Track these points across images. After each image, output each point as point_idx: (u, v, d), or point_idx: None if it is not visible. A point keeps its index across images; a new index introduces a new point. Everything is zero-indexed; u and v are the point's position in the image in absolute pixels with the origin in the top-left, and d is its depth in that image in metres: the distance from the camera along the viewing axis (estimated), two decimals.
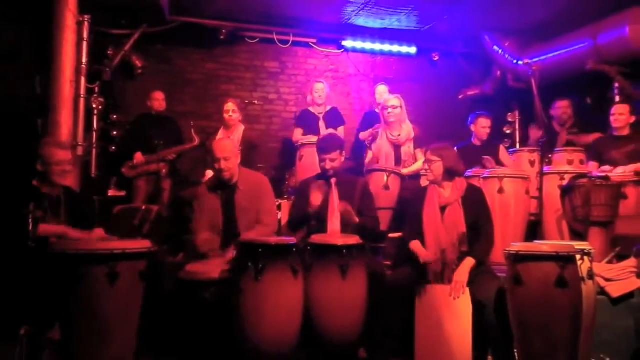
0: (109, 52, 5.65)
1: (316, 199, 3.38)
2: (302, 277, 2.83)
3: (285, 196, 5.12)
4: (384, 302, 3.05)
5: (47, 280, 2.60)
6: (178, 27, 5.97)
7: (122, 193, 5.30)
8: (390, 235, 4.08)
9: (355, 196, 3.49)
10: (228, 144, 3.53)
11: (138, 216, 4.13)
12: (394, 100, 4.51)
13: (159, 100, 5.48)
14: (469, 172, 4.64)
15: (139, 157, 5.21)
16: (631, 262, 3.33)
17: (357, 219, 3.37)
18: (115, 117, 5.71)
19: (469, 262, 3.07)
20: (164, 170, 5.15)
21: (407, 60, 7.04)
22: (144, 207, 4.26)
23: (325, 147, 3.55)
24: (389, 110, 4.46)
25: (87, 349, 2.42)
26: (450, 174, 3.30)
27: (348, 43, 6.71)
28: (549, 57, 5.97)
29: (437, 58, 7.01)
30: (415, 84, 6.95)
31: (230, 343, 2.77)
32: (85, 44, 4.75)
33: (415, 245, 3.26)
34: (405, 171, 4.39)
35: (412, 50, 6.89)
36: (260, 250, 2.72)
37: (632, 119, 4.63)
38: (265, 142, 6.44)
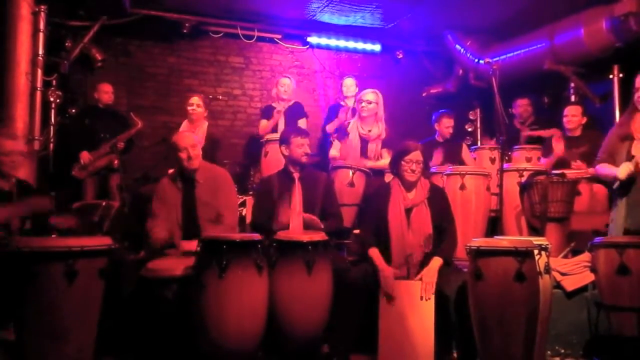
0: (67, 44, 5.48)
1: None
2: (267, 274, 2.81)
3: (250, 192, 5.09)
4: (347, 297, 3.05)
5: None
6: (139, 20, 5.85)
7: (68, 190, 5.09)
8: (355, 231, 4.10)
9: (318, 193, 3.48)
10: (190, 134, 3.54)
11: (98, 212, 4.03)
12: (370, 95, 4.43)
13: (107, 93, 5.30)
14: (433, 169, 4.72)
15: (85, 156, 5.01)
16: (585, 256, 3.44)
17: (322, 226, 3.34)
18: (74, 111, 5.54)
19: (437, 262, 3.06)
20: (115, 162, 5.01)
21: (372, 58, 7.10)
22: (104, 203, 4.16)
23: (304, 131, 3.60)
24: (364, 104, 4.40)
25: (43, 350, 2.34)
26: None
27: (313, 39, 6.71)
28: (509, 57, 6.10)
29: (401, 56, 7.11)
30: (380, 81, 6.98)
31: (193, 341, 2.73)
32: (41, 35, 4.61)
33: (374, 254, 3.18)
34: (370, 164, 4.38)
35: (377, 47, 6.96)
36: (224, 246, 2.68)
37: (584, 120, 4.78)
38: (230, 137, 6.39)
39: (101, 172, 5.09)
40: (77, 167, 5.03)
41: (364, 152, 4.45)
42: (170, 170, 3.95)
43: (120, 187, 4.97)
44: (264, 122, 5.31)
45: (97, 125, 5.16)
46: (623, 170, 3.13)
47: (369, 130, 4.44)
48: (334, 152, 4.58)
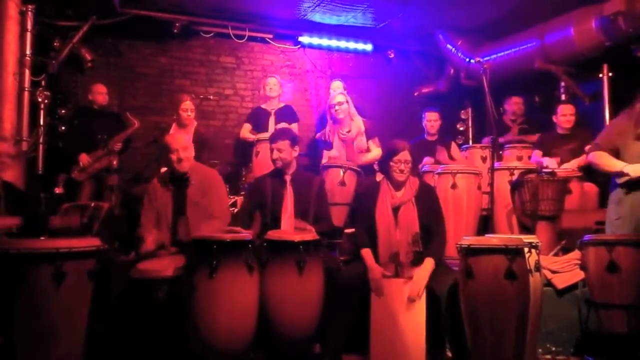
0: (55, 44, 5.42)
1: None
2: (258, 274, 2.80)
3: (242, 192, 5.08)
4: (339, 297, 3.05)
5: None
6: (130, 20, 5.81)
7: (61, 190, 5.04)
8: (346, 230, 4.10)
9: (310, 195, 3.45)
10: (182, 136, 3.53)
11: (87, 214, 4.00)
12: (339, 97, 4.52)
13: (102, 94, 5.29)
14: (426, 167, 4.73)
15: (84, 158, 5.00)
16: (575, 254, 3.46)
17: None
18: (63, 111, 5.49)
19: (430, 263, 3.06)
20: (114, 163, 4.99)
21: (364, 58, 7.10)
22: (92, 205, 4.13)
23: (273, 136, 3.54)
24: (336, 107, 4.47)
25: (32, 353, 2.31)
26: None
27: (305, 39, 6.70)
28: (500, 56, 6.12)
29: (392, 55, 7.11)
30: (372, 81, 7.01)
31: (184, 342, 2.72)
32: (29, 35, 4.57)
33: (366, 254, 3.18)
34: (363, 159, 4.40)
35: (368, 47, 6.96)
36: (214, 247, 2.67)
37: (576, 118, 4.82)
38: (221, 138, 6.37)
39: (99, 174, 5.06)
40: (77, 169, 5.00)
41: (351, 153, 4.45)
42: (163, 169, 3.95)
43: (111, 188, 4.95)
44: (246, 127, 5.30)
45: (93, 127, 5.13)
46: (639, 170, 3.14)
47: (348, 131, 4.47)
48: (325, 161, 4.58)
